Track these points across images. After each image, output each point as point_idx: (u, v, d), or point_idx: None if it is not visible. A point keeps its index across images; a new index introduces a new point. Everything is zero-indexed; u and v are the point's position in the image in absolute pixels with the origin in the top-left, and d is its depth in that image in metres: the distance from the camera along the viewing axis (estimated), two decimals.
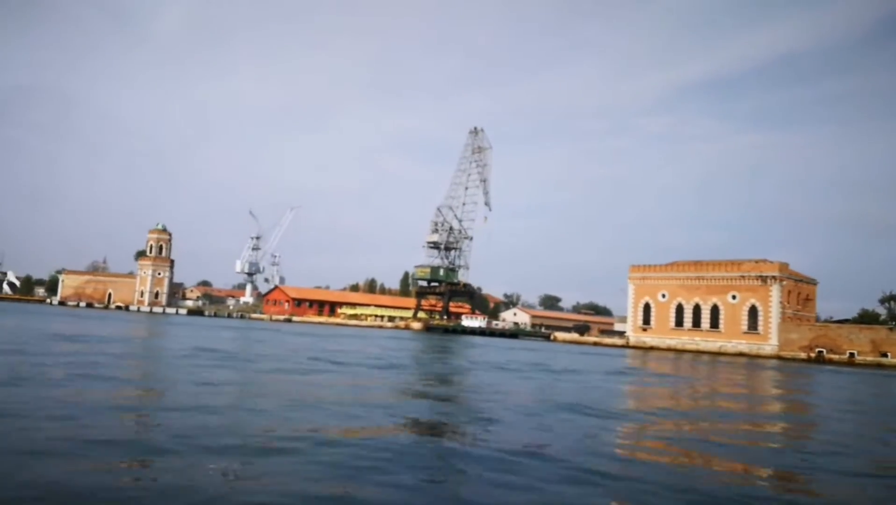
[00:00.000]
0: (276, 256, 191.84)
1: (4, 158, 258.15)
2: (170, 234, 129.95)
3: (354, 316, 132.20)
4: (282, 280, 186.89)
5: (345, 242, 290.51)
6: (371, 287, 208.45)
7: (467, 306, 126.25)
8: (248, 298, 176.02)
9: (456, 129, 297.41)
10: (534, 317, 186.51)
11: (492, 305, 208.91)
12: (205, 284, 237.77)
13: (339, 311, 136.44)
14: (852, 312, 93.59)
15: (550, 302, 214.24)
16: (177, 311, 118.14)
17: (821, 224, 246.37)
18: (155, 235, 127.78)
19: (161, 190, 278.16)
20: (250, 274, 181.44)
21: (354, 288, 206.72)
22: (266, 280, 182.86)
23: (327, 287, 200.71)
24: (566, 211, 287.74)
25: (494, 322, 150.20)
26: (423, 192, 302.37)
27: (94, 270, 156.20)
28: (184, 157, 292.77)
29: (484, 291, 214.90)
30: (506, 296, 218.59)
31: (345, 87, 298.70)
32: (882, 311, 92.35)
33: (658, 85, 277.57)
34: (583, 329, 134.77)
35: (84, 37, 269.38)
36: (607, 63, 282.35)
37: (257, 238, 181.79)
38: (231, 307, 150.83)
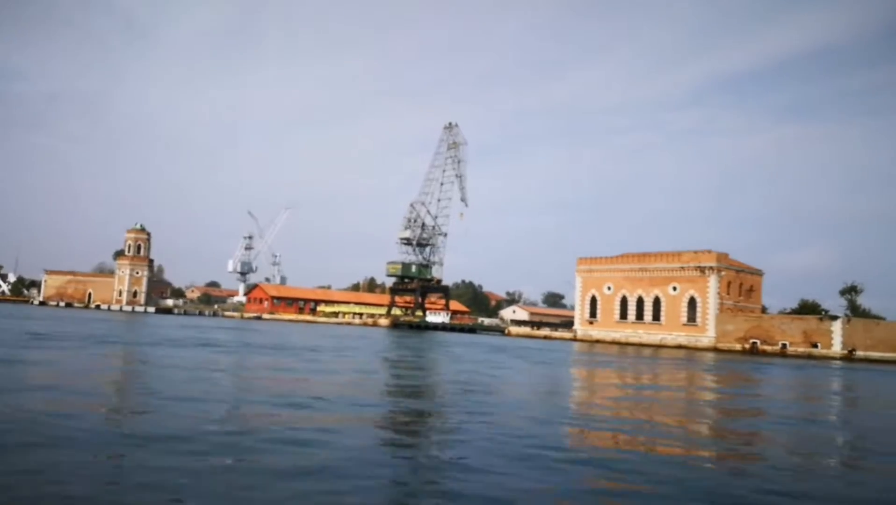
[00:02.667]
0: (276, 256, 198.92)
1: (19, 162, 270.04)
2: (148, 234, 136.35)
3: (333, 314, 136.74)
4: (283, 280, 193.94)
5: (356, 242, 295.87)
6: (370, 286, 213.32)
7: (442, 302, 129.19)
8: (241, 297, 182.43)
9: (480, 128, 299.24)
10: (532, 314, 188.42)
11: (493, 302, 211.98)
12: (213, 284, 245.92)
13: (318, 309, 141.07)
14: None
15: (553, 299, 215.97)
16: (145, 309, 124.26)
17: (855, 220, 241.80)
18: (133, 235, 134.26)
19: (175, 192, 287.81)
20: (243, 273, 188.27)
21: (356, 287, 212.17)
22: (267, 279, 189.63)
23: (328, 287, 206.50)
24: (586, 207, 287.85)
25: (481, 319, 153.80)
26: None
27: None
28: (198, 159, 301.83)
29: (485, 289, 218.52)
30: (508, 293, 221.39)
31: (366, 87, 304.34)
32: (843, 302, 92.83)
33: (685, 80, 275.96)
34: (570, 325, 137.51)
35: (100, 45, 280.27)
36: (634, 59, 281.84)
37: (250, 237, 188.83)
38: (216, 307, 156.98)
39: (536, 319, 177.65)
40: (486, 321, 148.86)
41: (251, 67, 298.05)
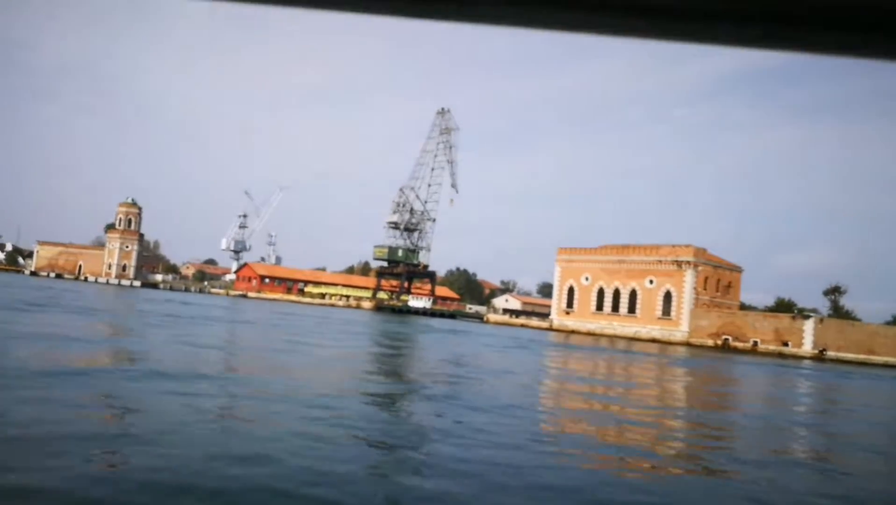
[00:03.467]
0: (272, 236, 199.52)
1: (28, 132, 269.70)
2: (139, 209, 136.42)
3: (320, 295, 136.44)
4: (278, 260, 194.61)
5: (354, 225, 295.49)
6: (364, 269, 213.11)
7: (427, 287, 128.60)
8: (232, 275, 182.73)
9: (486, 117, 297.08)
10: (525, 304, 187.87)
11: (487, 291, 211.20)
12: (210, 262, 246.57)
13: (306, 290, 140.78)
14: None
15: (548, 290, 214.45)
16: (131, 283, 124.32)
17: (865, 220, 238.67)
18: (124, 209, 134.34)
19: (179, 169, 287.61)
20: (237, 252, 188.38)
21: (350, 270, 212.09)
22: (262, 259, 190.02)
23: (324, 268, 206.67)
24: (591, 199, 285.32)
25: (470, 306, 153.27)
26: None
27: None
28: (204, 137, 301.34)
29: (480, 278, 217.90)
30: (502, 282, 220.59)
31: (376, 71, 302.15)
32: (827, 302, 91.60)
33: (699, 74, 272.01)
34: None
35: (106, 19, 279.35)
36: (647, 51, 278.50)
37: (244, 216, 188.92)
38: (206, 283, 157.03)
39: (529, 308, 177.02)
40: (476, 308, 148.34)
41: (253, 48, 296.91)
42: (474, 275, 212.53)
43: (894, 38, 0.63)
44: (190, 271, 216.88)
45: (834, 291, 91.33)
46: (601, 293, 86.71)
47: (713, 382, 33.44)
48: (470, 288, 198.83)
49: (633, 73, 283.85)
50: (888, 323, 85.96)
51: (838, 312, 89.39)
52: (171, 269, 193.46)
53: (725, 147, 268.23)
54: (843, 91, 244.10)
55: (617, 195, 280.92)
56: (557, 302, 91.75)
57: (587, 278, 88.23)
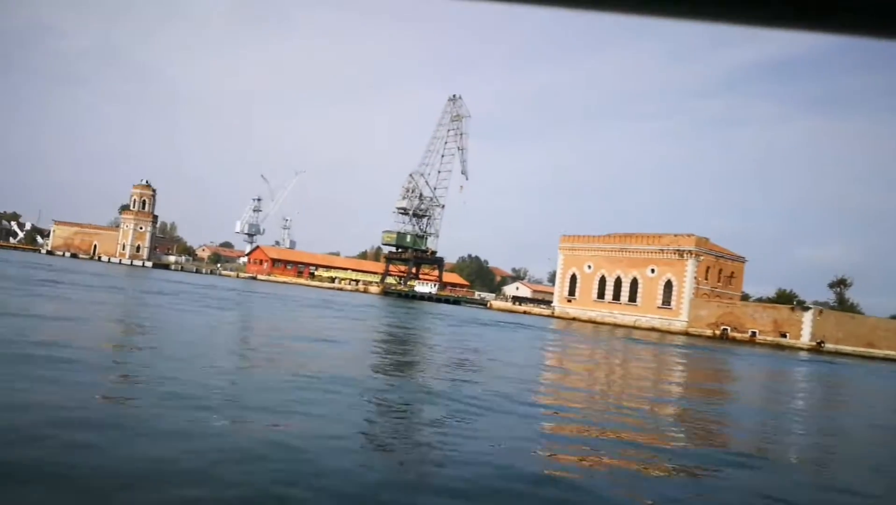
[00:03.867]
0: (287, 220, 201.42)
1: (56, 116, 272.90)
2: (153, 191, 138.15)
3: (330, 279, 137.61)
4: (293, 244, 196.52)
5: (369, 211, 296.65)
6: (377, 254, 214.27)
7: (435, 274, 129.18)
8: (245, 258, 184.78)
9: (504, 107, 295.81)
10: (535, 291, 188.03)
11: (498, 278, 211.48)
12: (226, 244, 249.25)
13: (316, 273, 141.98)
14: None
15: None
16: (143, 264, 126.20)
17: (876, 215, 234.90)
18: (138, 191, 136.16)
19: (203, 152, 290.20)
20: (250, 235, 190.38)
21: (363, 255, 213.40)
22: (277, 242, 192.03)
23: (338, 253, 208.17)
24: (605, 190, 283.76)
25: (479, 293, 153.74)
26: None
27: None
28: (230, 122, 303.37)
29: (492, 265, 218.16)
30: (513, 270, 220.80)
31: (391, 59, 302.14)
32: (832, 295, 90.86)
33: (714, 66, 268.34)
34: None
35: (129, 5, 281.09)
36: (663, 44, 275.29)
37: (259, 200, 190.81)
38: (218, 266, 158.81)
39: (539, 296, 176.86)
40: (482, 295, 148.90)
41: (273, 36, 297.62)
42: (486, 262, 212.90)
43: None
44: (206, 254, 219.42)
45: (839, 284, 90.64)
46: (603, 281, 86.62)
47: (695, 370, 33.60)
48: (481, 275, 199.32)
49: (646, 65, 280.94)
50: (893, 317, 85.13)
51: (843, 305, 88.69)
52: (187, 251, 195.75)
53: (738, 140, 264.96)
54: (856, 85, 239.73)
55: (628, 187, 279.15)
56: (560, 289, 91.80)
57: (589, 266, 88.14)
